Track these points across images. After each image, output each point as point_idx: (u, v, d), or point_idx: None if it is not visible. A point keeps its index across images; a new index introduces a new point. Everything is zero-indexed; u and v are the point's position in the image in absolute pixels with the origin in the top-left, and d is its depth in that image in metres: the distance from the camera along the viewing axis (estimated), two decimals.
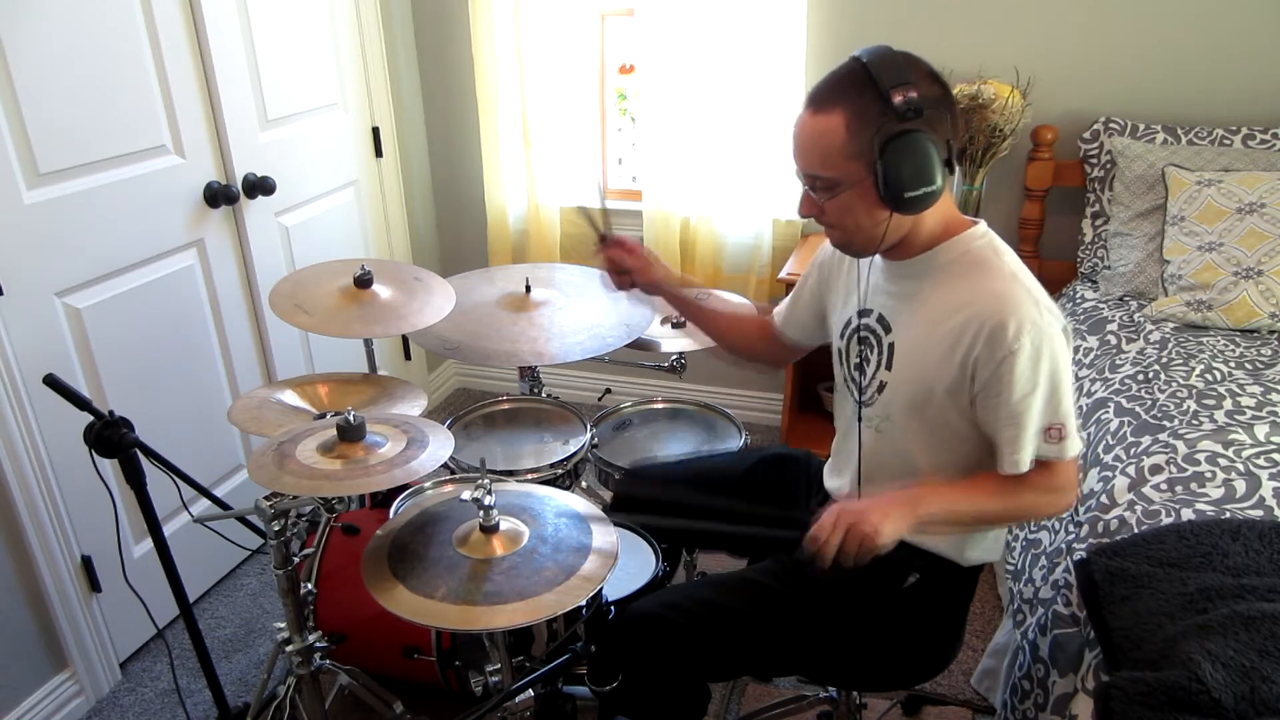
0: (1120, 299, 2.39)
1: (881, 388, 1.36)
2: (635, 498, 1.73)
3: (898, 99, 1.15)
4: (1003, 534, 1.46)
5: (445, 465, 1.46)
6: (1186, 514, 1.49)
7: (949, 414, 1.30)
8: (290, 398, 1.82)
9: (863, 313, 1.40)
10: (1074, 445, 1.26)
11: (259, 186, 2.39)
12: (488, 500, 1.32)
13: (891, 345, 1.34)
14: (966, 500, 1.28)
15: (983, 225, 1.32)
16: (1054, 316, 1.23)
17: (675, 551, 1.77)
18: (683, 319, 2.14)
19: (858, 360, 1.41)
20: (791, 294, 1.63)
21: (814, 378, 3.04)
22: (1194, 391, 1.86)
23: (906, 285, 1.33)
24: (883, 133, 1.16)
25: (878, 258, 1.37)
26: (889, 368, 1.34)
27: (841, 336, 1.45)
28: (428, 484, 1.88)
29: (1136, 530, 1.49)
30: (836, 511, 1.22)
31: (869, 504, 1.23)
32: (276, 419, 1.72)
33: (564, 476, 1.90)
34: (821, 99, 1.21)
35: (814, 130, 1.21)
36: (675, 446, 2.02)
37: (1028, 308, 1.21)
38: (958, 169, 2.53)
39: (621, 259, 1.65)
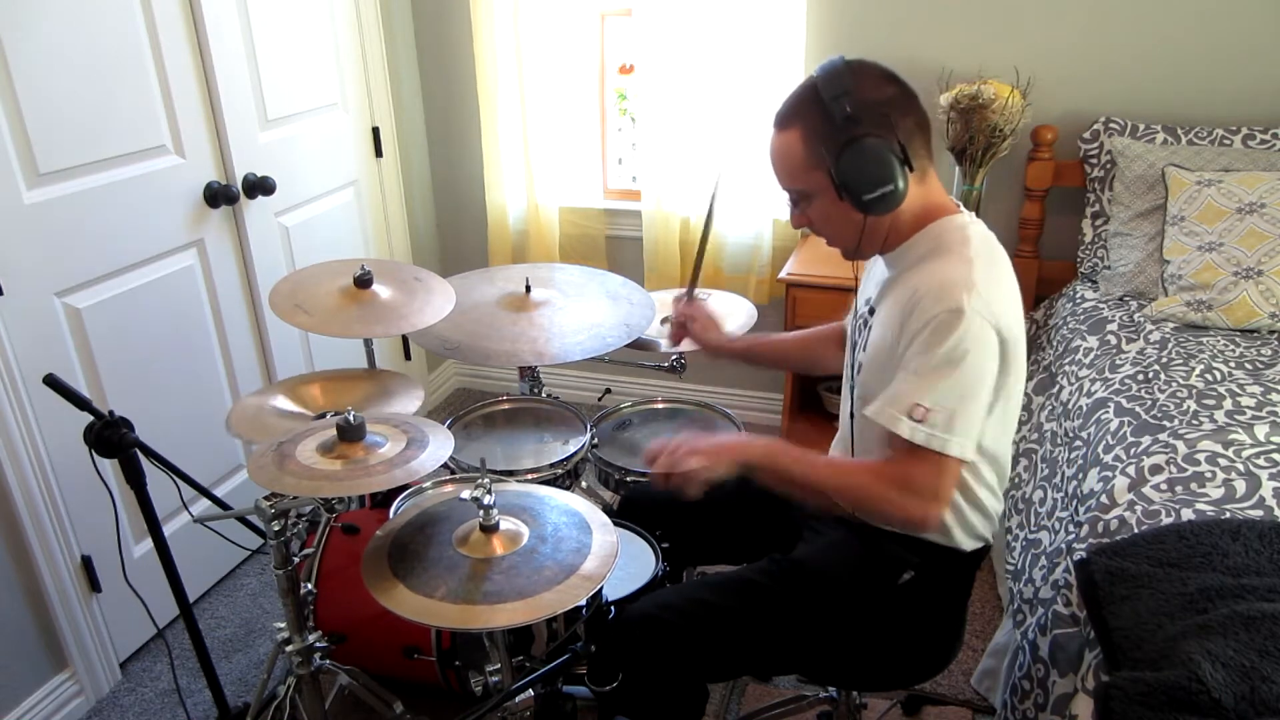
0: (1120, 299, 2.39)
1: (859, 369, 1.41)
2: (634, 520, 1.73)
3: (840, 109, 1.22)
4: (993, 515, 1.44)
5: (445, 465, 1.46)
6: (1186, 514, 1.49)
7: None
8: (284, 404, 1.82)
9: (866, 301, 1.46)
10: (927, 436, 1.19)
11: (259, 186, 2.40)
12: (488, 500, 1.32)
13: (870, 329, 1.39)
14: (808, 467, 1.30)
15: (962, 215, 1.34)
16: (983, 308, 1.20)
17: (677, 570, 1.77)
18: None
19: (852, 345, 1.48)
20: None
21: (814, 378, 3.04)
22: (1194, 391, 1.86)
23: (890, 273, 1.39)
24: (831, 143, 1.24)
25: None
26: (865, 350, 1.40)
27: (852, 326, 1.52)
28: (428, 484, 1.88)
29: (1136, 530, 1.49)
30: (674, 446, 1.31)
31: (703, 447, 1.31)
32: (276, 424, 1.72)
33: (564, 476, 1.90)
34: (781, 118, 1.31)
35: (778, 148, 1.31)
36: None
37: (958, 290, 1.20)
38: (957, 170, 2.53)
39: (690, 317, 1.80)
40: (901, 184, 1.24)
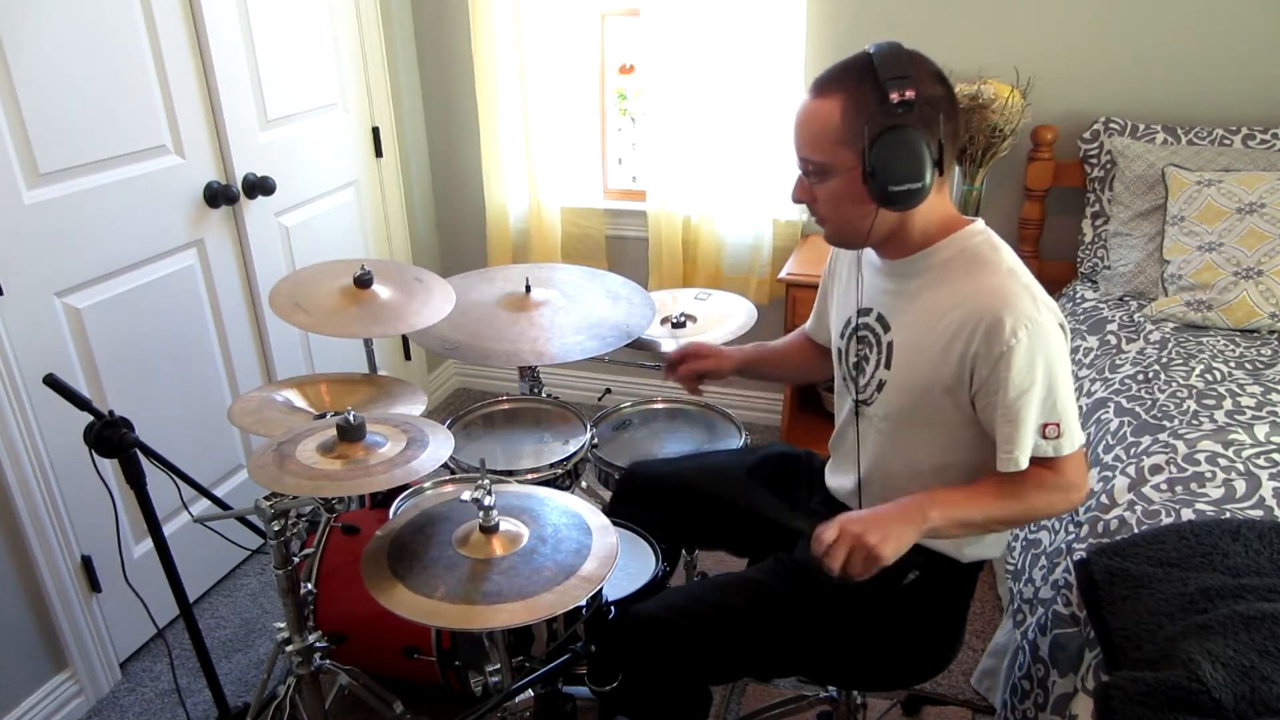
0: (1120, 299, 2.39)
1: (881, 386, 1.36)
2: (636, 496, 1.74)
3: (894, 93, 1.17)
4: (1005, 532, 1.45)
5: (445, 465, 1.46)
6: (1186, 514, 1.49)
7: (949, 412, 1.30)
8: (287, 397, 1.82)
9: (862, 312, 1.40)
10: (1072, 441, 1.25)
11: (259, 186, 2.40)
12: (488, 501, 1.32)
13: (890, 344, 1.34)
14: (972, 505, 1.26)
15: (980, 223, 1.32)
16: (1050, 312, 1.23)
17: (675, 550, 1.77)
18: (683, 319, 2.14)
19: (856, 359, 1.42)
20: (816, 300, 1.66)
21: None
22: (1194, 391, 1.86)
23: (905, 284, 1.34)
24: (875, 123, 1.19)
25: (876, 257, 1.38)
26: (888, 366, 1.35)
27: (841, 336, 1.46)
28: (428, 484, 1.88)
29: (1136, 530, 1.49)
30: (838, 526, 1.21)
31: (870, 519, 1.21)
32: (277, 418, 1.72)
33: (564, 476, 1.90)
34: (823, 84, 1.24)
35: (812, 113, 1.25)
36: (675, 446, 2.02)
37: (1024, 304, 1.21)
38: (957, 170, 2.53)
39: (698, 368, 1.70)
40: (928, 185, 1.21)
